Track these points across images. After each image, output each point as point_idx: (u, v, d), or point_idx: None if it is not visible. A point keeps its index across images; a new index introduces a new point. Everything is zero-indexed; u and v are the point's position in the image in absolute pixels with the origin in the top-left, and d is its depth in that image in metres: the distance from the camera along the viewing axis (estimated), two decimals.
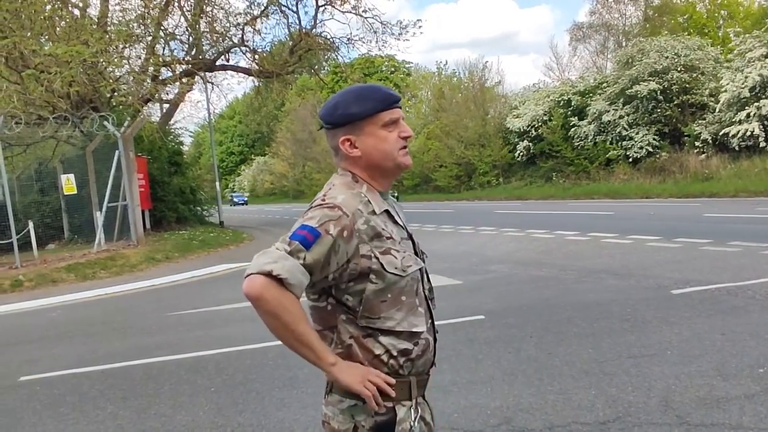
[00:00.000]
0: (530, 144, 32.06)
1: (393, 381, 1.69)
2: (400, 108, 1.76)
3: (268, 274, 1.55)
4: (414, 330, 1.72)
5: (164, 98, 21.77)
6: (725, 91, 23.37)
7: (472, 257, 11.22)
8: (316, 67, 27.60)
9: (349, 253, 1.63)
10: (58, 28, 16.38)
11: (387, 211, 1.75)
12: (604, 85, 29.61)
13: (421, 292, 1.79)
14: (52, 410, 4.89)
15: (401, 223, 1.79)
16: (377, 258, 1.66)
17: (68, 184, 15.65)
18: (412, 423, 1.71)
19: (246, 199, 62.49)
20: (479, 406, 4.15)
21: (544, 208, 21.66)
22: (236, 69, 23.68)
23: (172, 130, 24.15)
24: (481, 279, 9.10)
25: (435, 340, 1.82)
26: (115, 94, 17.49)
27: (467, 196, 33.59)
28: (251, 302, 1.58)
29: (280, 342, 1.64)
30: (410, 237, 1.81)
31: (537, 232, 13.99)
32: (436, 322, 1.86)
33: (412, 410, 1.73)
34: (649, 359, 4.81)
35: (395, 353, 1.70)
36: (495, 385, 4.54)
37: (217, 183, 26.58)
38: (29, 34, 15.46)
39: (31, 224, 14.22)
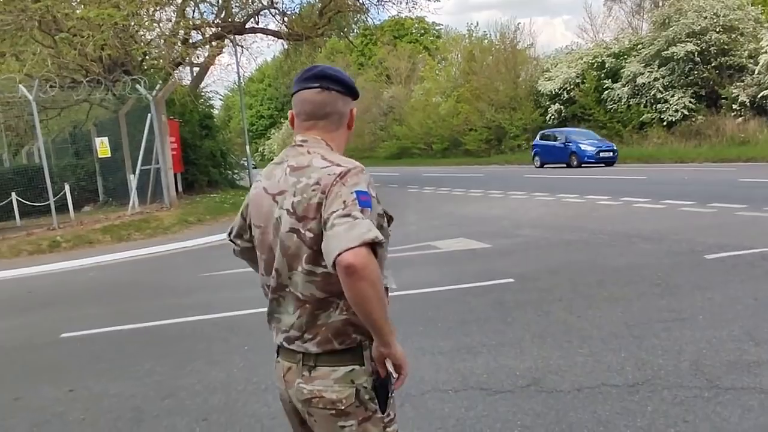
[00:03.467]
0: (562, 107, 31.52)
1: None
2: None
3: (371, 243, 1.56)
4: (390, 287, 1.83)
5: (195, 62, 21.79)
6: (765, 52, 22.64)
7: (502, 221, 11.19)
8: (346, 29, 27.34)
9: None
10: None
11: None
12: (639, 46, 28.85)
13: None
14: (93, 365, 5.07)
15: None
16: (386, 215, 1.77)
17: (102, 147, 15.87)
18: (393, 373, 1.80)
19: (615, 149, 24.67)
20: (508, 367, 4.19)
21: (575, 173, 21.41)
22: (266, 32, 23.57)
23: (203, 94, 24.26)
24: (510, 243, 9.09)
25: None
26: (147, 57, 17.58)
27: (497, 160, 33.26)
28: (355, 273, 1.54)
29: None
30: None
31: (568, 196, 13.87)
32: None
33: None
34: (680, 323, 4.80)
35: None
36: (524, 347, 4.57)
37: (247, 146, 26.69)
38: None
39: (67, 187, 14.48)
